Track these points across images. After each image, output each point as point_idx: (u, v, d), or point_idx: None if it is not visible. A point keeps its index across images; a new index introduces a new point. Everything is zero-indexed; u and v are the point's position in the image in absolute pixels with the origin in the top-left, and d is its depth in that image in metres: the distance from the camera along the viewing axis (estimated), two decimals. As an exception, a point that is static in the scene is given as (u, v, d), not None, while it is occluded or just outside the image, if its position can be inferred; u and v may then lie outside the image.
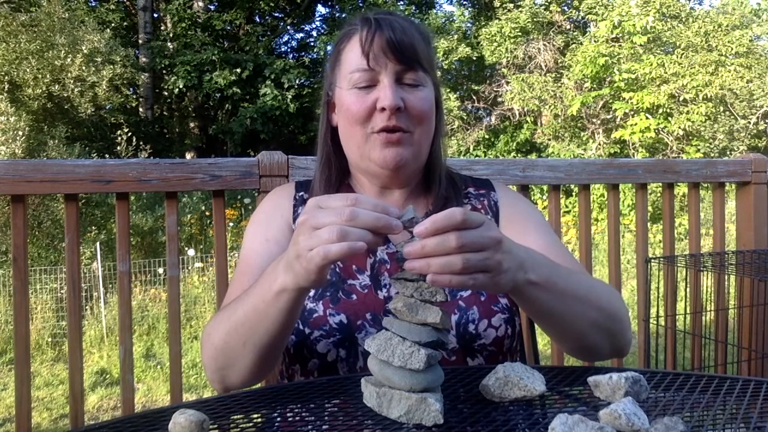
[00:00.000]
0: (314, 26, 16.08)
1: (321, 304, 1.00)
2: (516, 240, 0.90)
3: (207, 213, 8.01)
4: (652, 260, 2.06)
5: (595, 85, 10.27)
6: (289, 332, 0.89)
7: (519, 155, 11.46)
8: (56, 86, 9.18)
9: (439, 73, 1.17)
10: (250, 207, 7.86)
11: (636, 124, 9.57)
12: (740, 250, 2.16)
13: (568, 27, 12.36)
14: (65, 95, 9.32)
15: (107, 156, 9.39)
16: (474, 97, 12.66)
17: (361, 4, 13.79)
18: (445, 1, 29.13)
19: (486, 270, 0.73)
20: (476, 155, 11.53)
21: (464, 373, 0.89)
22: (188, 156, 13.22)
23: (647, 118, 9.56)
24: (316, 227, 0.72)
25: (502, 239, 0.75)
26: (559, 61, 11.40)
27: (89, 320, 5.31)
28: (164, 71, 12.87)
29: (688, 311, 2.16)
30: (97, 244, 5.99)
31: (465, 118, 12.20)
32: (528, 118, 11.57)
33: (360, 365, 0.98)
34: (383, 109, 1.00)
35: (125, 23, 13.97)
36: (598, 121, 10.56)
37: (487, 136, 12.00)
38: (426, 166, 1.11)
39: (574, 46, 11.07)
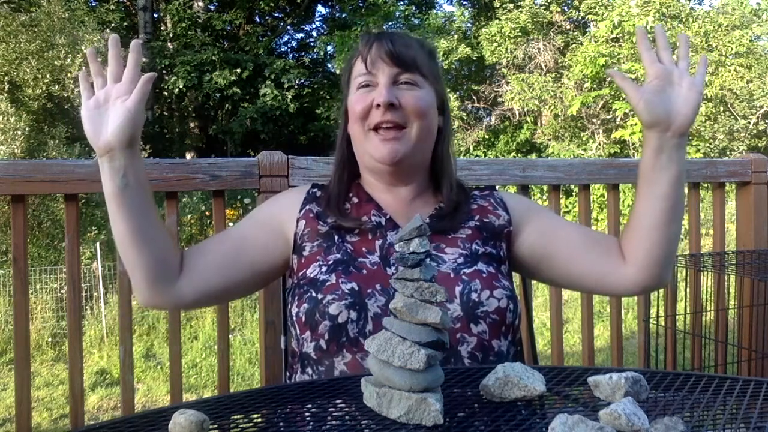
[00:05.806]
0: (314, 26, 16.08)
1: (334, 275, 1.05)
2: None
3: (207, 213, 8.01)
4: (652, 260, 2.05)
5: (595, 85, 10.26)
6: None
7: (519, 155, 11.45)
8: (56, 86, 9.16)
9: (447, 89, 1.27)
10: (250, 207, 7.85)
11: (636, 124, 9.54)
12: (740, 250, 2.16)
13: (568, 27, 12.34)
14: (65, 95, 9.29)
15: (107, 156, 9.35)
16: (474, 97, 12.66)
17: (361, 4, 13.78)
18: (445, 1, 29.10)
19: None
20: (476, 155, 11.52)
21: (464, 373, 0.89)
22: (188, 156, 13.21)
23: (647, 118, 9.53)
24: None
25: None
26: (559, 61, 11.39)
27: (89, 320, 5.31)
28: (164, 71, 12.86)
29: (688, 311, 2.16)
30: (97, 244, 5.99)
31: (465, 118, 12.19)
32: (528, 118, 11.56)
33: (369, 329, 1.01)
34: (378, 105, 1.07)
35: (125, 23, 13.91)
36: (598, 121, 10.56)
37: (487, 136, 12.00)
38: (432, 167, 1.17)
39: (574, 46, 11.05)
